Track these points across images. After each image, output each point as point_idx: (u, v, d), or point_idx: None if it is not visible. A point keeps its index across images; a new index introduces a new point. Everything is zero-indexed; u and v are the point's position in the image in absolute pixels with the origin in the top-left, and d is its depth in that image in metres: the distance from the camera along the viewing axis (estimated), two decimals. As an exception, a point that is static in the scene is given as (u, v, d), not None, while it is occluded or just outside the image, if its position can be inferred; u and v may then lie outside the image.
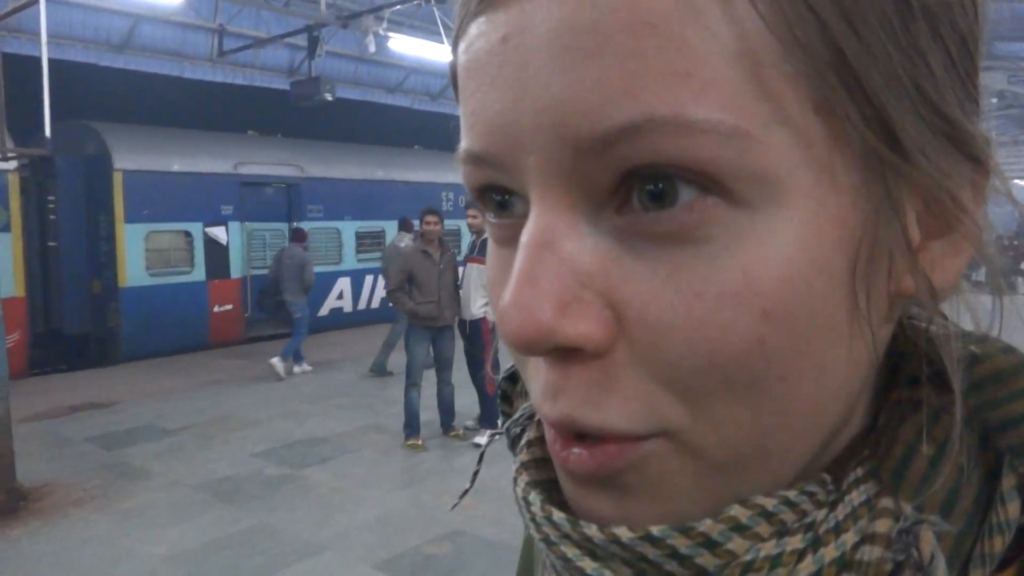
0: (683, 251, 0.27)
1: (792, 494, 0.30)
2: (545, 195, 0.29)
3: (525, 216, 0.30)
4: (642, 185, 0.27)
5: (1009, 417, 0.31)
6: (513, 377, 0.48)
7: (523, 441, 0.39)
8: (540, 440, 0.38)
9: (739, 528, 0.29)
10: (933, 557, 0.28)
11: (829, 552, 0.29)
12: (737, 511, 0.29)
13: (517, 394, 0.47)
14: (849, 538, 0.29)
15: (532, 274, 0.28)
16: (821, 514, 0.30)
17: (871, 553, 0.28)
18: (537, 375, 0.31)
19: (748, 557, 0.29)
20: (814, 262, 0.27)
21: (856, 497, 0.30)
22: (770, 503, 0.29)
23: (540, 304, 0.28)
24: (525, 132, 0.28)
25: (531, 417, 0.42)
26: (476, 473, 0.48)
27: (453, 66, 0.33)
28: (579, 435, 0.30)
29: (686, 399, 0.28)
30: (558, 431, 0.31)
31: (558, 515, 0.32)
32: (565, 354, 0.29)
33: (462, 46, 0.31)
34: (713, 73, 0.26)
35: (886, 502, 0.30)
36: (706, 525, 0.29)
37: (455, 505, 0.58)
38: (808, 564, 0.29)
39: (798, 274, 0.27)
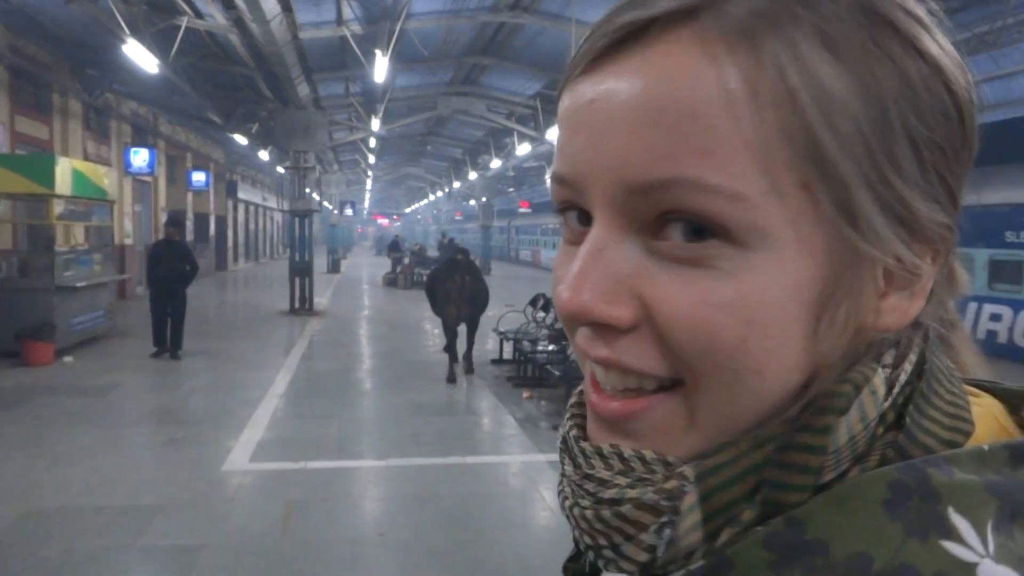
0: (696, 272, 0.39)
1: (651, 454, 0.42)
2: (603, 216, 0.41)
3: (589, 228, 0.43)
4: (674, 222, 0.39)
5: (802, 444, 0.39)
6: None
7: (570, 402, 0.52)
8: (578, 403, 0.51)
9: (606, 458, 0.43)
10: (689, 510, 0.39)
11: (631, 492, 0.41)
12: (623, 448, 0.43)
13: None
14: (648, 489, 0.40)
15: (584, 269, 0.41)
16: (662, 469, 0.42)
17: (647, 496, 0.40)
18: (584, 335, 0.43)
19: (612, 480, 0.42)
20: (787, 291, 0.38)
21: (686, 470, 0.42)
22: (646, 454, 0.42)
23: (584, 290, 0.40)
24: (596, 170, 0.40)
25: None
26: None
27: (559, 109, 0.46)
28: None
29: (691, 370, 0.39)
30: (597, 376, 0.43)
31: (585, 444, 0.45)
32: (601, 328, 0.41)
33: (566, 98, 0.44)
34: (730, 153, 0.37)
35: (686, 469, 0.41)
36: (604, 447, 0.43)
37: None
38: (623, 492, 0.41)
39: (775, 298, 0.38)
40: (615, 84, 0.40)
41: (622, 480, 0.42)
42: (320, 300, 18.38)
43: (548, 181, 0.49)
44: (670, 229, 0.39)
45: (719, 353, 0.38)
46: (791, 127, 0.37)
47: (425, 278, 11.97)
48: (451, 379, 9.35)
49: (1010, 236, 10.94)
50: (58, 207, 10.52)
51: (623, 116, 0.39)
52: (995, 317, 11.13)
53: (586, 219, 0.44)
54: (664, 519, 0.40)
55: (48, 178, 9.97)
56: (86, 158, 14.61)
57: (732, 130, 0.37)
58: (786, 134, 0.37)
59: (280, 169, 22.35)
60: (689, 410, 0.41)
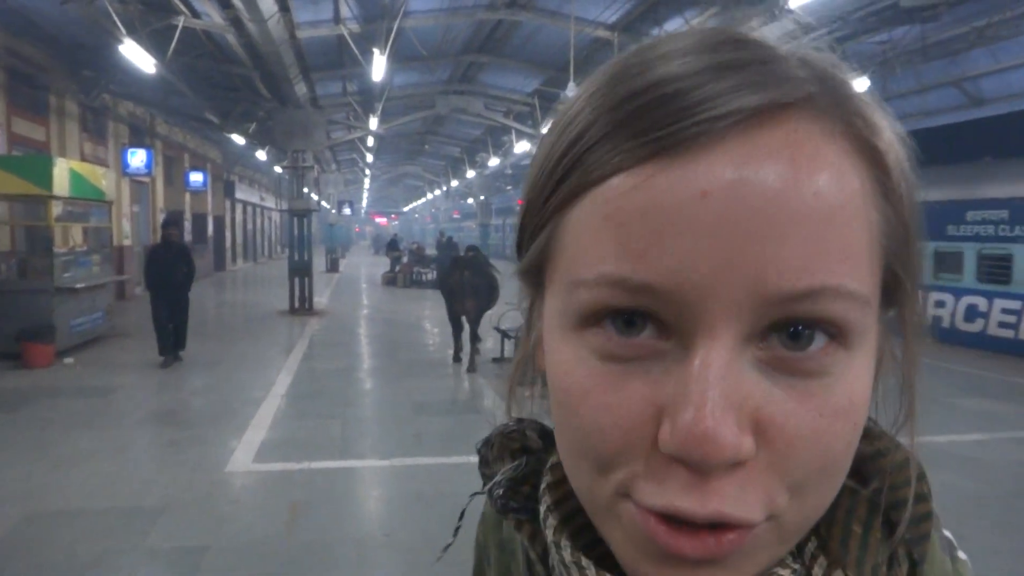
0: (809, 381, 0.36)
1: (799, 567, 0.41)
2: (721, 333, 0.35)
3: (655, 339, 0.37)
4: (785, 329, 0.36)
5: (900, 499, 0.44)
6: (488, 441, 0.57)
7: (544, 484, 0.50)
8: (557, 484, 0.48)
9: None
10: None
11: None
12: None
13: (494, 458, 0.57)
14: None
15: (720, 399, 0.34)
16: None
17: None
18: (668, 473, 0.36)
19: None
20: (871, 382, 0.39)
21: (818, 571, 0.42)
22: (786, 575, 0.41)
23: (731, 429, 0.34)
24: (720, 280, 0.34)
25: (512, 479, 0.53)
26: (458, 529, 0.59)
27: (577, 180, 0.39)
28: (679, 522, 0.36)
29: (792, 490, 0.36)
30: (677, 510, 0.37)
31: None
32: (705, 468, 0.35)
33: (629, 181, 0.36)
34: (858, 258, 0.36)
35: (837, 573, 0.41)
36: None
37: (439, 558, 0.67)
38: None
39: (867, 394, 0.38)
40: (742, 175, 0.34)
41: None
42: (320, 300, 18.36)
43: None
44: (778, 338, 0.36)
45: (834, 465, 0.37)
46: (894, 230, 0.38)
47: (427, 276, 12.01)
48: (456, 359, 10.23)
49: (951, 229, 12.24)
50: (56, 208, 10.47)
51: (760, 217, 0.34)
52: (940, 303, 12.46)
53: (651, 329, 0.37)
54: None
55: (46, 179, 9.92)
56: (83, 159, 14.55)
57: (859, 230, 0.36)
58: (885, 234, 0.38)
59: (278, 169, 22.31)
60: (780, 526, 0.37)
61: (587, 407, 0.38)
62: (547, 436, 0.57)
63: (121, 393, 8.24)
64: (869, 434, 0.45)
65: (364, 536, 4.59)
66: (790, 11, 9.36)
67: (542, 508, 0.48)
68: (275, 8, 10.84)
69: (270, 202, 38.91)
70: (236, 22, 11.58)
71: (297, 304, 16.34)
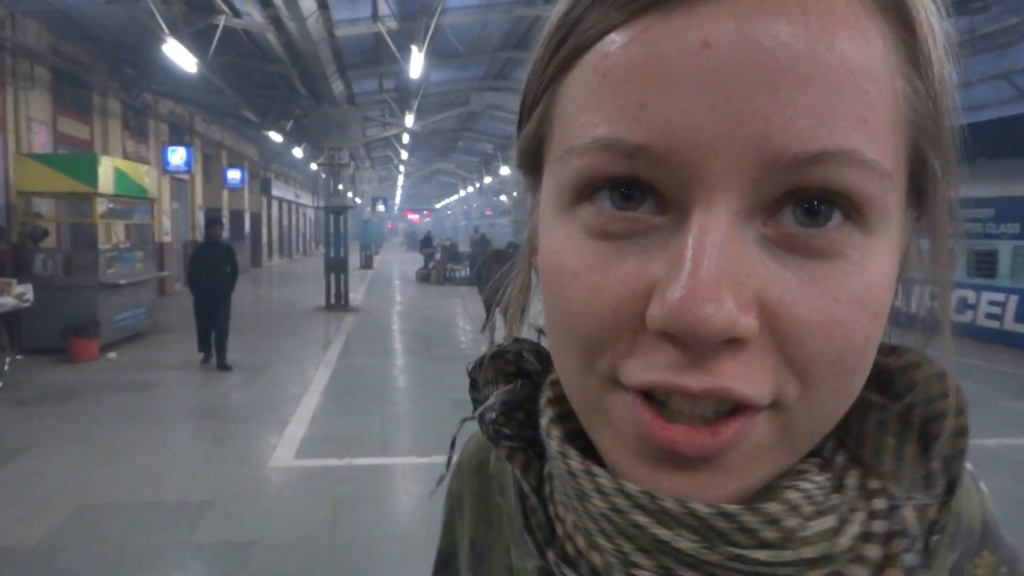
0: (823, 264, 0.32)
1: (822, 479, 0.37)
2: (722, 199, 0.32)
3: (652, 214, 0.34)
4: (799, 204, 0.32)
5: (936, 412, 0.39)
6: (481, 363, 0.52)
7: (544, 399, 0.45)
8: (559, 399, 0.44)
9: (794, 508, 0.35)
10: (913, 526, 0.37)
11: (853, 528, 0.36)
12: (791, 495, 0.35)
13: (486, 381, 0.52)
14: (861, 515, 0.37)
15: (714, 271, 0.31)
16: (836, 497, 0.37)
17: (880, 526, 0.37)
18: (657, 350, 0.33)
19: (802, 532, 0.34)
20: (893, 274, 0.35)
21: (852, 483, 0.38)
22: (811, 488, 0.36)
23: (726, 299, 0.31)
24: (721, 138, 0.31)
25: (506, 403, 0.48)
26: (450, 460, 0.55)
27: (572, 42, 0.36)
28: (671, 414, 0.34)
29: (804, 381, 0.33)
30: (672, 406, 0.34)
31: (632, 487, 0.35)
32: (725, 343, 0.32)
33: (625, 36, 0.33)
34: (878, 125, 0.32)
35: (874, 484, 0.39)
36: (772, 507, 0.34)
37: (433, 492, 0.63)
38: (844, 538, 0.36)
39: (890, 284, 0.35)
40: (749, 26, 0.31)
41: (823, 522, 0.35)
42: (355, 296, 18.47)
43: (522, 136, 0.42)
44: (792, 213, 0.32)
45: (848, 358, 0.33)
46: (921, 100, 0.34)
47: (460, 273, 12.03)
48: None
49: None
50: (101, 206, 10.67)
51: (767, 68, 0.30)
52: (931, 297, 13.42)
53: (650, 203, 0.34)
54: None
55: (92, 177, 10.12)
56: (125, 157, 14.80)
57: (880, 96, 0.32)
58: (914, 107, 0.34)
59: (313, 166, 22.52)
60: (783, 425, 0.34)
61: (576, 288, 0.35)
62: (545, 358, 0.51)
63: (164, 388, 8.36)
64: (897, 349, 0.42)
65: (406, 533, 4.60)
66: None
67: (543, 422, 0.44)
68: (314, 6, 10.92)
69: (305, 199, 39.30)
70: (276, 21, 11.67)
71: (333, 300, 16.47)
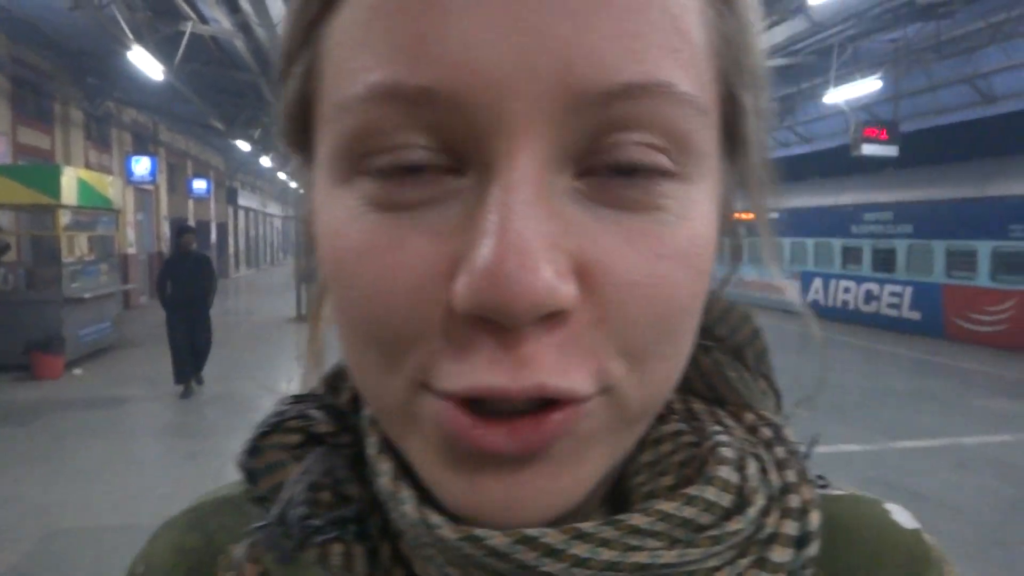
0: (642, 217, 0.28)
1: (683, 426, 0.37)
2: (526, 146, 0.27)
3: (452, 174, 0.28)
4: (611, 151, 0.28)
5: (745, 337, 0.40)
6: (255, 449, 0.40)
7: (367, 420, 0.37)
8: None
9: (713, 482, 0.33)
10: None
11: (754, 470, 0.35)
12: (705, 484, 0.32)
13: (267, 469, 0.39)
14: (763, 453, 0.37)
15: (524, 234, 0.26)
16: (732, 439, 0.36)
17: (782, 452, 0.37)
18: (472, 342, 0.27)
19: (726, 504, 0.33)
20: (715, 226, 0.32)
21: (729, 420, 0.38)
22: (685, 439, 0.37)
23: (541, 265, 0.25)
24: (520, 73, 0.26)
25: (311, 487, 0.37)
26: None
27: None
28: (490, 412, 0.28)
29: (628, 354, 0.29)
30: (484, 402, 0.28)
31: (480, 532, 0.29)
32: (543, 319, 0.27)
33: None
34: (692, 56, 0.28)
35: (749, 416, 0.38)
36: (665, 506, 0.31)
37: None
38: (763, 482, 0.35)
39: (713, 236, 0.31)
40: None
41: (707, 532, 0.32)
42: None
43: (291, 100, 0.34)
44: (595, 161, 0.28)
45: (675, 318, 0.29)
46: (731, 31, 0.31)
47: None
48: None
49: (854, 228, 15.37)
50: (64, 218, 10.39)
51: None
52: (846, 290, 15.60)
53: (439, 161, 0.28)
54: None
55: (54, 188, 9.83)
56: (88, 168, 14.49)
57: (691, 24, 0.28)
58: (724, 39, 0.30)
59: (282, 175, 22.29)
60: (614, 404, 0.29)
61: (363, 273, 0.29)
62: (339, 415, 0.41)
63: (134, 404, 8.12)
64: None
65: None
66: (804, 9, 9.31)
67: (371, 452, 0.35)
68: (285, 12, 10.78)
69: (273, 208, 38.90)
70: (244, 27, 11.51)
71: (303, 311, 16.24)
